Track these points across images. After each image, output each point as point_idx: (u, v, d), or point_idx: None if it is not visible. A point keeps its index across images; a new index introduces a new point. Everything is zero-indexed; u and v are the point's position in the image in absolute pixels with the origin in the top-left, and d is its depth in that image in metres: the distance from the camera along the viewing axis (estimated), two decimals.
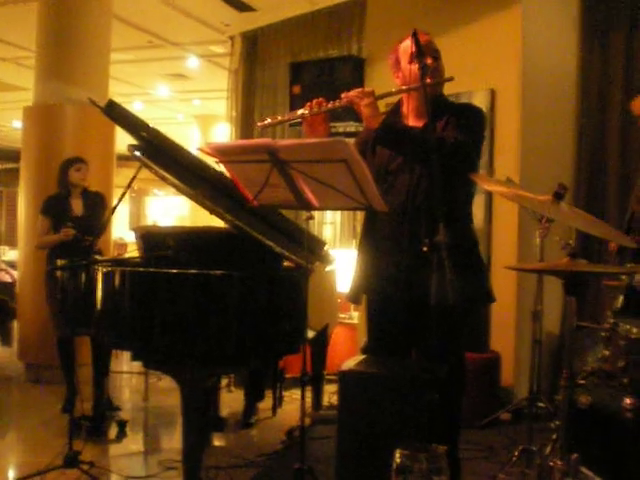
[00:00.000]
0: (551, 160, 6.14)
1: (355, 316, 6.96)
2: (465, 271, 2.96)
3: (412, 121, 3.38)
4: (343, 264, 5.51)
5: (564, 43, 6.33)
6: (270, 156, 2.91)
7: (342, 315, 6.75)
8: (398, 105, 3.49)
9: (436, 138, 3.00)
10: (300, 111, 3.32)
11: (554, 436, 3.69)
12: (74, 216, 5.95)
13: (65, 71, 7.66)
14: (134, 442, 5.26)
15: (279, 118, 3.43)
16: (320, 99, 3.28)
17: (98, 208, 6.11)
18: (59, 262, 4.91)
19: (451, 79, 3.30)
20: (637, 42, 6.09)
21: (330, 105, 3.27)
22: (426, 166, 3.15)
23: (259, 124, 3.47)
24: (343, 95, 3.26)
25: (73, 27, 7.72)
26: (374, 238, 3.42)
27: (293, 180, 2.99)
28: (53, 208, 6.02)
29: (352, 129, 6.49)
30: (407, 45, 3.28)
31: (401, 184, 3.30)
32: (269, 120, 3.40)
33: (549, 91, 6.13)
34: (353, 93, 3.24)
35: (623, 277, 3.82)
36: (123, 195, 4.59)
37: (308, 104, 3.30)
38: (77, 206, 6.03)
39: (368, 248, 3.45)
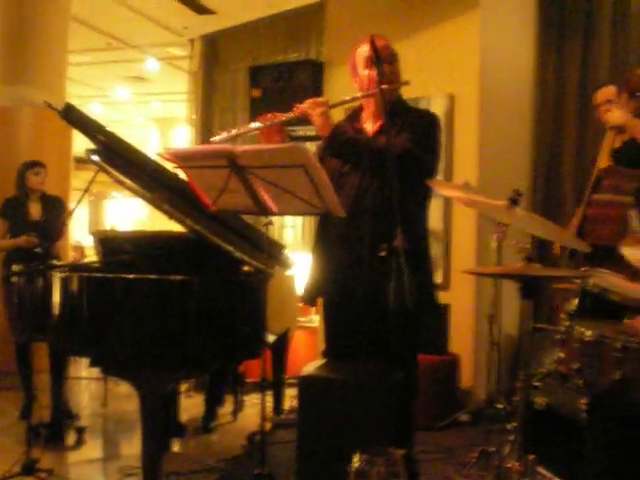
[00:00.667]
0: (509, 164, 6.20)
1: (315, 320, 6.96)
2: (421, 276, 2.99)
3: (370, 125, 3.41)
4: (303, 268, 5.52)
5: (521, 50, 6.40)
6: (229, 162, 2.91)
7: (302, 319, 6.75)
8: (359, 109, 3.51)
9: (386, 145, 3.03)
10: (253, 124, 3.36)
11: (512, 437, 3.73)
12: (31, 220, 5.92)
13: (22, 73, 7.57)
14: (93, 449, 5.22)
15: (233, 132, 3.43)
16: (274, 113, 3.31)
17: (57, 212, 6.06)
18: (15, 267, 4.85)
19: (407, 83, 3.35)
20: (592, 50, 6.17)
21: (284, 117, 3.31)
22: (376, 171, 3.18)
23: (212, 140, 3.48)
24: (295, 107, 3.30)
25: (30, 29, 7.63)
26: (328, 240, 3.44)
27: (252, 186, 2.99)
28: (10, 211, 5.98)
29: (312, 133, 6.50)
30: (363, 50, 3.33)
31: (350, 186, 3.33)
32: (225, 134, 3.41)
33: (507, 96, 6.20)
34: (305, 104, 3.29)
35: (577, 280, 3.86)
36: (81, 198, 4.55)
37: (262, 117, 3.33)
38: (35, 210, 5.99)
39: (322, 250, 3.47)
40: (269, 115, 3.32)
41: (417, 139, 3.20)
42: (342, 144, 3.26)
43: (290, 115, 3.31)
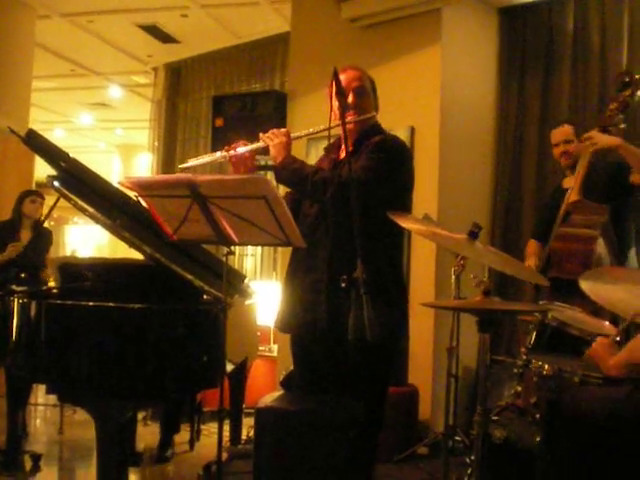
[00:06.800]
0: (469, 197, 6.26)
1: (275, 349, 6.95)
2: (384, 308, 2.94)
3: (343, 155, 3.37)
4: (264, 296, 5.52)
5: (482, 82, 6.49)
6: (191, 191, 2.92)
7: (261, 348, 6.73)
8: (339, 140, 3.37)
9: (338, 175, 3.06)
10: (218, 153, 3.35)
11: (470, 470, 3.74)
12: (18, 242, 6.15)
13: None
14: (49, 476, 5.14)
15: (201, 160, 3.41)
16: (240, 142, 3.31)
17: (44, 242, 6.39)
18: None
19: (372, 116, 3.35)
20: (552, 85, 6.27)
21: (248, 147, 3.30)
22: (335, 201, 3.14)
23: (180, 167, 3.47)
24: (260, 135, 3.31)
25: None
26: (295, 271, 3.42)
27: (213, 216, 2.99)
28: (1, 233, 6.20)
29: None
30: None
31: (311, 215, 3.33)
32: (191, 162, 3.41)
33: (467, 129, 6.27)
34: (267, 134, 3.28)
35: (536, 314, 3.87)
36: (42, 223, 4.55)
37: (226, 147, 3.32)
38: (25, 235, 6.22)
39: (289, 279, 3.44)
40: (234, 145, 3.32)
41: (368, 166, 3.15)
42: (289, 173, 3.23)
43: (254, 145, 3.31)
